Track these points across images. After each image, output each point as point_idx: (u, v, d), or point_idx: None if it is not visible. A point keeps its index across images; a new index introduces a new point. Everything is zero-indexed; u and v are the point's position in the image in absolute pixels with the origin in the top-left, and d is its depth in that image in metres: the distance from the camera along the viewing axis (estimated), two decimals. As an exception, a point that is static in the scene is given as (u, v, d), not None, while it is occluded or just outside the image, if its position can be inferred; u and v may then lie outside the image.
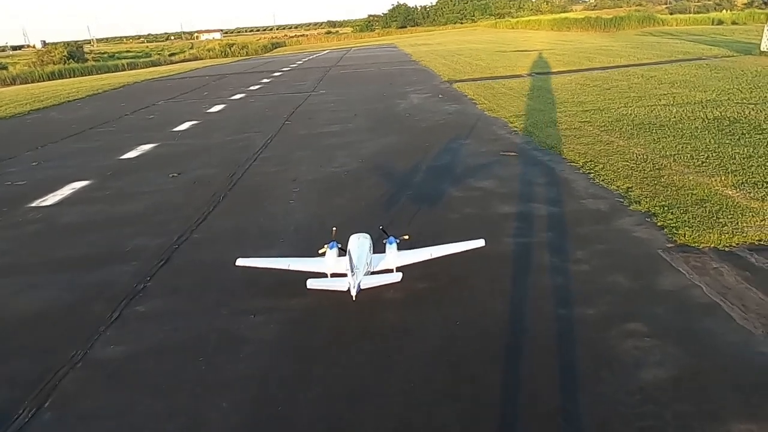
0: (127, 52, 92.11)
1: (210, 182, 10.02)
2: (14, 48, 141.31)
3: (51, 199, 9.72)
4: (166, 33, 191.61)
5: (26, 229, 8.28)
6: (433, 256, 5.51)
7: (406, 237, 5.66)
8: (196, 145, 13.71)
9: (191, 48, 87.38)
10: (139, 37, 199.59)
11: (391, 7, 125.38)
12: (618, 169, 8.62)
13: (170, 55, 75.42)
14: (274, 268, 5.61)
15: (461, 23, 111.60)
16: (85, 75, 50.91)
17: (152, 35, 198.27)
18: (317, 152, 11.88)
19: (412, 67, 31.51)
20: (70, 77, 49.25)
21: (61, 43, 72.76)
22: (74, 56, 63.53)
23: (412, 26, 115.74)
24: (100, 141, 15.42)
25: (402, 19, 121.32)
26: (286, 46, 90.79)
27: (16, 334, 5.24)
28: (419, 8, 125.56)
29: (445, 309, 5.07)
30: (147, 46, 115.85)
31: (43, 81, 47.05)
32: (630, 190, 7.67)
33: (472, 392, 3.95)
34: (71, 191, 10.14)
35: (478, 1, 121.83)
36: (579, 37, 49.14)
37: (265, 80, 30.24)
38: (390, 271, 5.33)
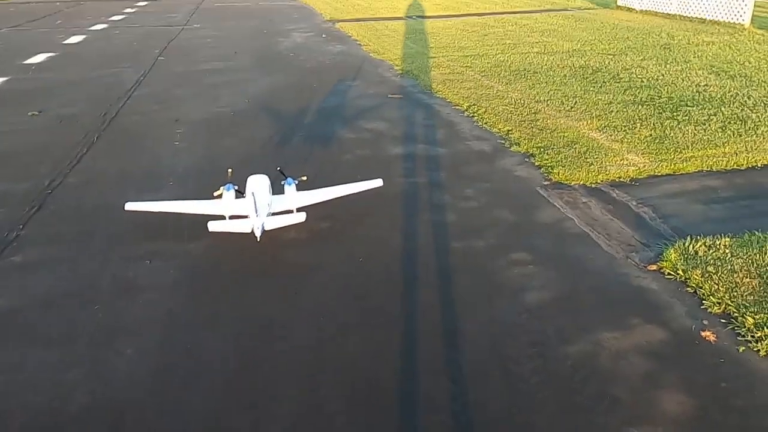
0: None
1: (79, 121, 9.16)
2: None
3: None
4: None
5: None
6: (332, 197, 5.60)
7: (304, 178, 5.66)
8: (57, 80, 12.33)
9: (33, -32, 76.40)
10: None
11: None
12: (499, 112, 9.15)
13: (7, -25, 65.46)
14: (168, 212, 5.39)
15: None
16: None
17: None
18: (199, 90, 11.25)
19: (292, 3, 30.24)
20: None
21: None
22: None
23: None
24: (-68, 73, 13.31)
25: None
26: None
27: None
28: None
29: (347, 246, 5.23)
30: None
31: None
32: (510, 132, 8.22)
33: (378, 322, 4.20)
34: None
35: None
36: (456, -19, 49.77)
37: (129, 10, 27.47)
38: (290, 211, 5.35)
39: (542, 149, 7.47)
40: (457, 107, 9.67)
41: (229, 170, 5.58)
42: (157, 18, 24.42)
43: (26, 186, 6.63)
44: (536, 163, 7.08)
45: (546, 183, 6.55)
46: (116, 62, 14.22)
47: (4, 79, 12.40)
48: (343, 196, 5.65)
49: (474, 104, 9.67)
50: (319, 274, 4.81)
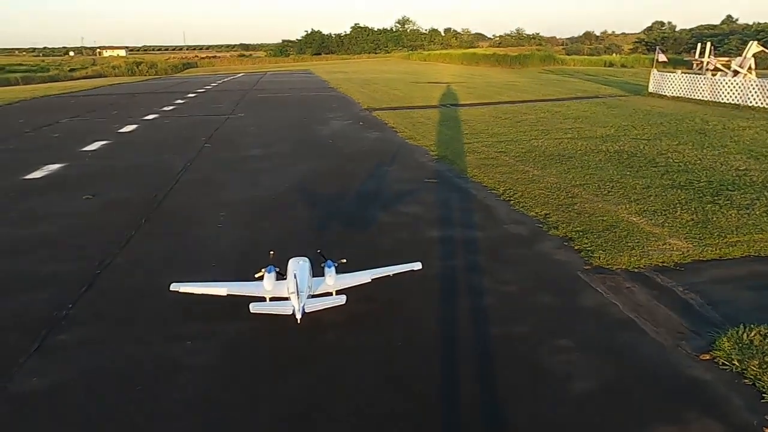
0: (19, 65, 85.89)
1: (130, 205, 9.60)
2: None
3: (-54, 221, 8.89)
4: (64, 47, 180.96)
5: None
6: (372, 279, 5.64)
7: (344, 261, 5.74)
8: (111, 166, 13.07)
9: (93, 64, 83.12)
10: (34, 49, 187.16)
11: (305, 33, 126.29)
12: (535, 196, 9.22)
13: (70, 71, 71.21)
14: (211, 294, 5.50)
15: (375, 53, 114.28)
16: (-27, 88, 46.83)
17: (49, 49, 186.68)
18: (241, 177, 11.73)
19: (331, 93, 31.86)
20: (-45, 90, 45.11)
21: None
22: (-41, 68, 58.45)
23: (326, 53, 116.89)
24: (-2, 159, 14.30)
25: (317, 45, 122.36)
26: (198, 66, 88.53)
27: None
28: (334, 36, 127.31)
29: (385, 331, 5.20)
30: (43, 60, 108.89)
31: (-77, 92, 42.77)
32: (548, 216, 8.23)
33: (418, 412, 4.08)
34: (-31, 213, 9.33)
35: (391, 32, 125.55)
36: (487, 71, 51.92)
37: (179, 101, 29.35)
38: (330, 294, 5.40)
39: (581, 233, 7.44)
40: (492, 191, 9.79)
41: (271, 252, 5.71)
42: (204, 108, 25.96)
43: (78, 266, 6.87)
44: (576, 247, 7.03)
45: (587, 267, 6.46)
46: (165, 149, 15.04)
47: (63, 165, 13.19)
48: (382, 279, 5.69)
49: (510, 188, 9.78)
50: (358, 360, 4.75)
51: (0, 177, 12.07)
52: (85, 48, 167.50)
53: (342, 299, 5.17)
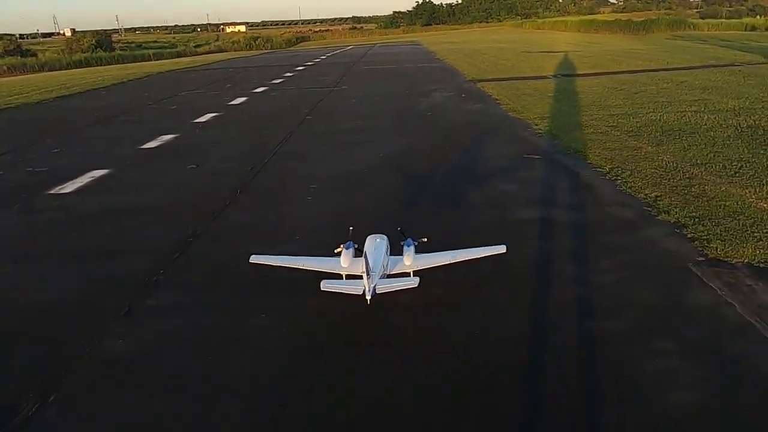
0: (154, 42, 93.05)
1: (228, 176, 9.93)
2: (44, 35, 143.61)
3: (70, 186, 9.71)
4: (192, 25, 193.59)
5: (43, 216, 8.26)
6: (452, 261, 5.32)
7: (425, 239, 5.46)
8: (217, 137, 13.66)
9: (216, 40, 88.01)
10: (167, 28, 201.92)
11: (416, 4, 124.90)
12: (646, 176, 8.32)
13: (195, 47, 75.96)
14: (288, 266, 5.47)
15: (487, 22, 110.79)
16: (112, 64, 51.43)
17: (179, 26, 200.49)
18: (337, 149, 11.74)
19: (436, 65, 31.23)
20: (97, 66, 49.80)
21: (90, 31, 73.83)
22: (102, 45, 64.31)
23: (437, 24, 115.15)
24: (121, 130, 15.48)
25: (427, 16, 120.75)
26: (310, 40, 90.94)
27: (24, 326, 5.16)
28: (445, 6, 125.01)
29: (462, 318, 4.88)
30: (174, 37, 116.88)
31: (71, 69, 47.65)
32: (658, 198, 7.38)
33: (489, 414, 3.75)
34: (90, 179, 10.13)
35: (504, 0, 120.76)
36: (607, 39, 48.33)
37: (288, 74, 30.18)
38: (407, 274, 5.15)
39: (697, 219, 6.57)
40: (598, 169, 8.98)
41: (350, 228, 5.56)
42: (310, 81, 26.48)
43: (174, 234, 7.18)
44: (689, 235, 6.21)
45: (700, 259, 5.67)
46: (269, 121, 15.47)
47: (175, 135, 13.99)
48: (463, 262, 5.34)
49: (618, 166, 8.92)
50: (429, 347, 4.49)
51: (121, 146, 13.04)
52: (210, 25, 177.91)
53: (415, 281, 4.91)
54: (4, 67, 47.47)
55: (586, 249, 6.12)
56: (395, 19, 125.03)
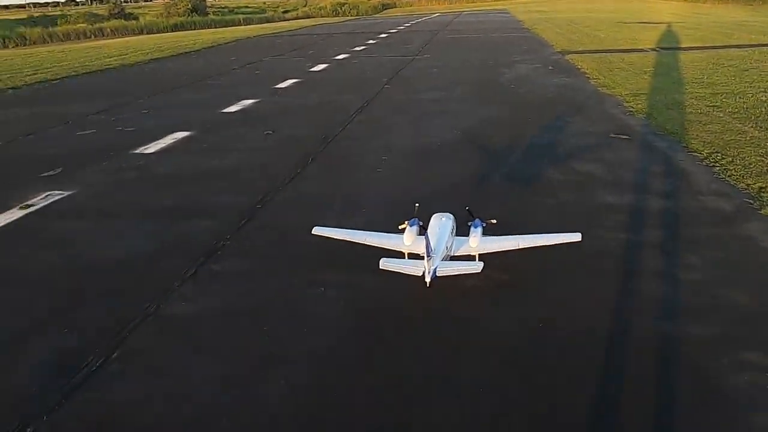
0: (246, 7, 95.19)
1: (302, 143, 9.94)
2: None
3: (153, 147, 10.10)
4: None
5: (125, 175, 8.63)
6: (520, 246, 5.00)
7: (494, 221, 5.17)
8: (294, 104, 13.75)
9: (304, 6, 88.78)
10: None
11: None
12: (750, 164, 7.51)
13: (284, 12, 77.07)
14: (350, 240, 5.35)
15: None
16: (205, 28, 53.26)
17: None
18: (413, 120, 11.47)
19: (524, 34, 29.90)
20: (192, 29, 51.73)
21: (187, -4, 76.44)
22: (197, 9, 66.55)
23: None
24: (206, 93, 15.93)
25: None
26: (396, 7, 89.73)
27: (94, 281, 5.39)
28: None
29: (526, 307, 4.59)
30: (264, 2, 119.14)
31: (168, 32, 49.77)
32: (762, 190, 6.63)
33: (543, 422, 3.50)
34: (172, 141, 10.48)
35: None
36: (716, 10, 44.40)
37: (371, 41, 29.96)
38: (471, 258, 4.91)
39: (807, 217, 5.84)
40: (695, 153, 8.21)
41: (416, 205, 5.34)
42: (392, 49, 26.12)
43: (243, 200, 7.27)
44: (796, 235, 5.54)
45: (807, 263, 5.04)
46: (347, 89, 15.38)
47: (255, 101, 14.22)
48: (533, 248, 5.01)
49: (717, 151, 8.11)
50: (487, 336, 4.26)
51: (204, 109, 13.42)
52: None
53: (479, 266, 4.66)
54: (108, 30, 50.25)
55: (673, 242, 5.60)
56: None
